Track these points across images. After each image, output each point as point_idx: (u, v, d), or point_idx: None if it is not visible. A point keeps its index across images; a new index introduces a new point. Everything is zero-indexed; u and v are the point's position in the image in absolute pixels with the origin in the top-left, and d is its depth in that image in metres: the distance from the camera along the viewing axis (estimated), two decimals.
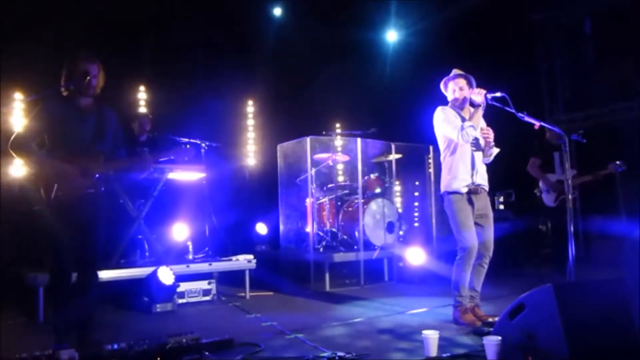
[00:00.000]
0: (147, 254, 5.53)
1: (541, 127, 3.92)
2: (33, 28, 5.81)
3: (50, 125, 3.34)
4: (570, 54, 8.85)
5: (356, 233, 6.57)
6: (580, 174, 6.08)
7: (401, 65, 8.54)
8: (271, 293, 5.85)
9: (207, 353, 3.15)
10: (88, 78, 3.38)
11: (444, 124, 4.08)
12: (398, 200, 7.61)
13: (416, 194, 7.93)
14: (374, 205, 6.70)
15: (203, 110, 6.97)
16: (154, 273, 4.78)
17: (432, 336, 3.08)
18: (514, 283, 5.78)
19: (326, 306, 5.08)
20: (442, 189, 4.17)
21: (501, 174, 5.23)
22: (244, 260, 5.62)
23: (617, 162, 5.92)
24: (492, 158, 4.19)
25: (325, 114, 8.47)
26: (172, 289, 4.86)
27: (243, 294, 5.58)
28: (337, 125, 8.75)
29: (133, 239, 5.43)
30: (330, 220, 6.79)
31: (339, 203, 6.86)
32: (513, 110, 3.82)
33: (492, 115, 4.15)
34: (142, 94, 7.29)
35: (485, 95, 3.94)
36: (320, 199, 6.91)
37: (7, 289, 4.95)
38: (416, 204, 7.93)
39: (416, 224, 7.51)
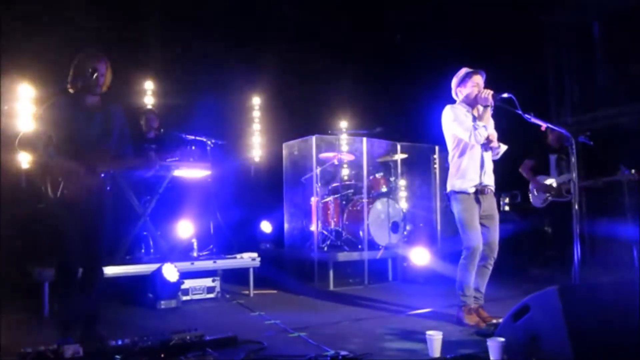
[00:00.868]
0: (152, 250, 5.54)
1: (545, 129, 3.91)
2: (40, 21, 5.82)
3: (57, 123, 3.36)
4: (578, 56, 8.82)
5: (360, 232, 6.57)
6: (586, 177, 6.04)
7: (408, 65, 8.51)
8: (275, 291, 5.86)
9: (210, 350, 3.16)
10: (96, 75, 3.38)
11: (454, 123, 4.06)
12: (403, 200, 7.59)
13: (421, 193, 7.91)
14: (378, 205, 6.70)
15: (209, 107, 6.95)
16: (159, 270, 4.81)
17: (435, 336, 3.08)
18: (519, 284, 5.77)
19: (330, 305, 5.09)
20: (449, 188, 4.16)
21: (507, 175, 5.20)
22: (248, 258, 5.64)
23: (632, 171, 5.66)
24: (500, 154, 4.19)
25: (331, 113, 8.49)
26: (177, 285, 4.89)
27: (247, 292, 5.59)
28: (343, 124, 8.75)
29: (138, 235, 5.45)
30: (335, 219, 6.78)
31: (344, 202, 6.85)
32: (520, 112, 3.81)
33: (499, 117, 4.14)
34: (149, 84, 7.25)
35: (493, 95, 3.94)
36: (325, 198, 6.91)
37: (12, 283, 4.97)
38: (421, 204, 7.91)
39: (421, 224, 7.49)
